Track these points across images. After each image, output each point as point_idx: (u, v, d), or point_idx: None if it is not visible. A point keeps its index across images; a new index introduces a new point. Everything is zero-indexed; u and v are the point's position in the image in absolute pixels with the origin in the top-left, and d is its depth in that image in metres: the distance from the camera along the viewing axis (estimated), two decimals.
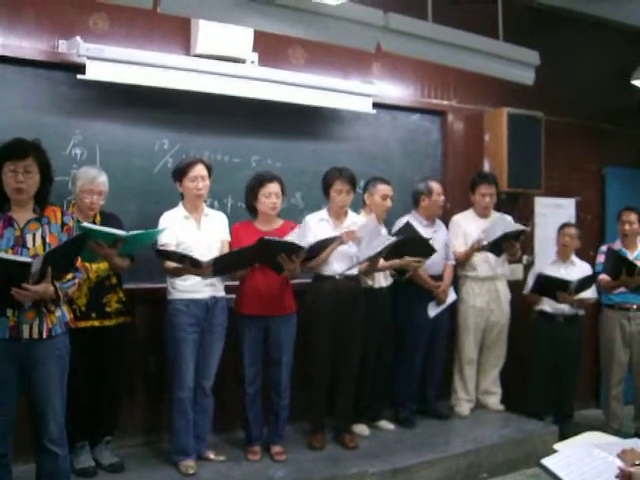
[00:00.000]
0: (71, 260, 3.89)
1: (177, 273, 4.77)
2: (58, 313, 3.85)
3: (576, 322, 6.41)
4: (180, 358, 4.81)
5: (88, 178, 4.61)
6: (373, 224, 5.50)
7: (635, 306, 6.36)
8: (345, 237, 5.20)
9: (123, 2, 4.23)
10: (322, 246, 5.07)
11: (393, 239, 5.35)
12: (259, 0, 4.21)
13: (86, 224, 4.30)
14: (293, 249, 4.79)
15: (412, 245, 5.58)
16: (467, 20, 5.58)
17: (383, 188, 5.76)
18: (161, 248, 4.62)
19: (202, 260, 4.59)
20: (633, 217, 6.41)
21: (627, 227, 6.41)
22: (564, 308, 6.28)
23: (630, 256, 6.29)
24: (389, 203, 5.78)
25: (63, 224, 3.91)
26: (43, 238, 3.78)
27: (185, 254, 4.59)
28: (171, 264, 4.73)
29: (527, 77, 5.67)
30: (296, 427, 5.71)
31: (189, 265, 4.60)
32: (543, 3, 7.07)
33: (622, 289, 6.28)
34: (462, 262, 6.32)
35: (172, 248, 4.72)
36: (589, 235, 7.30)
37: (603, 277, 6.34)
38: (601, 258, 6.46)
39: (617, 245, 6.54)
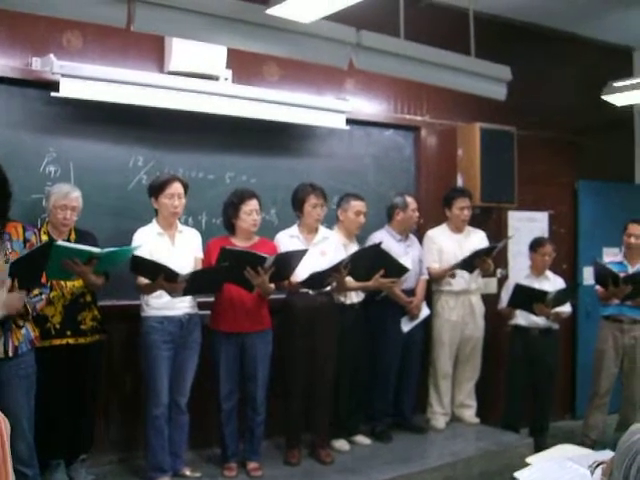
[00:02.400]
0: (37, 272, 3.87)
1: (149, 290, 4.76)
2: (24, 331, 3.84)
3: (551, 335, 6.44)
4: (155, 375, 4.80)
5: (61, 193, 4.60)
6: (337, 240, 5.57)
7: (628, 318, 6.38)
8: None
9: (96, 20, 4.23)
10: (291, 259, 5.07)
11: (346, 257, 5.37)
12: (232, 18, 4.24)
13: (60, 242, 4.30)
14: (257, 260, 4.80)
15: (383, 265, 5.60)
16: (439, 37, 5.63)
17: (357, 204, 5.78)
18: (137, 254, 4.59)
19: (179, 273, 4.60)
20: (639, 230, 6.42)
21: (632, 240, 6.32)
22: (538, 321, 6.32)
23: (631, 269, 6.28)
24: (362, 219, 5.80)
25: (25, 240, 3.89)
26: (5, 255, 3.76)
27: (161, 264, 4.57)
28: (143, 280, 4.73)
29: (499, 92, 5.72)
30: (272, 443, 5.71)
31: (162, 279, 4.59)
32: (514, 19, 7.18)
33: (616, 300, 6.31)
34: (436, 279, 6.35)
35: (148, 256, 4.70)
36: (562, 248, 7.35)
37: (598, 288, 6.38)
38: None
39: (619, 257, 6.56)
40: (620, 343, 6.40)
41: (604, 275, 6.22)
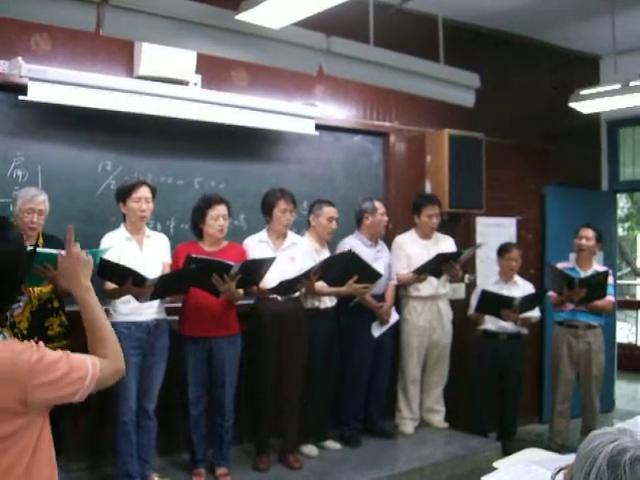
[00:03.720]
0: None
1: (116, 294, 4.74)
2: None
3: (519, 340, 6.49)
4: (122, 381, 4.73)
5: (27, 197, 4.57)
6: (308, 246, 5.58)
7: (583, 324, 6.44)
8: None
9: (65, 24, 4.21)
10: (259, 266, 5.07)
11: (317, 264, 5.39)
12: (202, 23, 4.23)
13: (30, 247, 4.27)
14: (223, 268, 4.80)
15: (356, 271, 5.62)
16: (408, 43, 5.65)
17: (329, 210, 5.81)
18: (106, 258, 4.56)
19: (147, 277, 4.58)
20: (590, 233, 6.42)
21: (584, 242, 6.40)
22: (507, 326, 6.36)
23: (583, 274, 6.34)
24: (334, 225, 5.83)
25: None
26: None
27: (129, 268, 4.56)
28: (110, 285, 4.71)
29: (468, 99, 5.74)
30: (241, 448, 5.71)
31: (130, 284, 4.57)
32: (483, 26, 7.23)
33: (571, 306, 6.37)
34: (405, 284, 6.38)
35: (116, 261, 4.66)
36: (530, 254, 7.41)
37: (551, 294, 6.44)
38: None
39: (570, 263, 6.63)
40: (575, 349, 6.45)
41: (558, 279, 6.27)
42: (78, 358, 2.18)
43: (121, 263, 4.64)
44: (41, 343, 2.14)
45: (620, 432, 1.62)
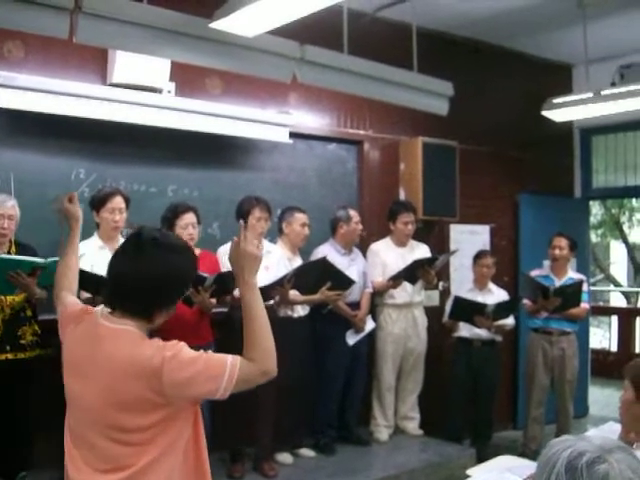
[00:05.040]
0: None
1: (91, 303, 4.68)
2: None
3: (493, 347, 6.52)
4: None
5: None
6: (281, 254, 5.58)
7: (557, 330, 6.48)
8: None
9: (38, 31, 4.18)
10: (232, 277, 5.04)
11: (290, 271, 5.39)
12: (176, 31, 4.23)
13: (2, 255, 4.24)
14: (197, 280, 4.78)
15: (329, 278, 5.62)
16: (382, 52, 5.67)
17: (301, 217, 5.81)
18: (82, 268, 4.52)
19: None
20: (564, 243, 6.49)
21: (557, 252, 6.48)
22: (481, 333, 6.39)
23: (557, 282, 6.40)
24: (307, 231, 5.83)
25: None
26: None
27: (103, 277, 4.51)
28: (85, 294, 4.68)
29: (441, 107, 5.77)
30: (215, 456, 5.65)
31: (104, 293, 4.53)
32: (457, 34, 7.27)
33: (546, 314, 6.40)
34: (381, 292, 6.38)
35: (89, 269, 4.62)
36: (503, 261, 7.44)
37: (526, 302, 6.48)
38: None
39: (545, 271, 6.67)
40: (549, 355, 6.52)
41: (533, 289, 6.32)
42: (217, 357, 2.31)
43: (96, 272, 4.61)
44: (182, 342, 2.33)
45: (578, 439, 1.65)
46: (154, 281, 2.31)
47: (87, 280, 4.52)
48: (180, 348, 2.28)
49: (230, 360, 2.29)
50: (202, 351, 2.31)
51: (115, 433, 2.25)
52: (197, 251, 5.21)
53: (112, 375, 2.24)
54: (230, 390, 2.27)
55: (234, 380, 2.26)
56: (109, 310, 2.39)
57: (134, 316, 2.35)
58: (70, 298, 2.73)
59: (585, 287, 6.47)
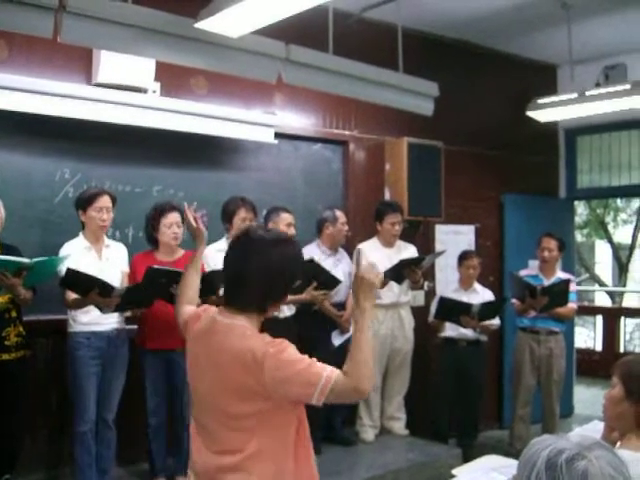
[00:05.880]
0: None
1: (79, 305, 4.69)
2: None
3: (479, 347, 6.53)
4: (82, 391, 4.73)
5: None
6: None
7: (544, 330, 6.51)
8: None
9: (22, 30, 4.16)
10: (219, 276, 5.03)
11: None
12: (161, 31, 4.22)
13: None
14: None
15: (316, 278, 5.62)
16: (368, 52, 5.68)
17: (286, 216, 5.79)
18: (72, 268, 4.51)
19: (115, 286, 4.55)
20: (553, 244, 6.50)
21: (546, 254, 6.49)
22: (467, 333, 6.40)
23: (546, 282, 6.41)
24: (293, 231, 5.81)
25: None
26: None
27: (97, 278, 4.52)
28: (72, 295, 4.66)
29: (426, 108, 5.78)
30: None
31: (95, 294, 4.53)
32: (442, 35, 7.29)
33: (534, 313, 6.42)
34: None
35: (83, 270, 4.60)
36: (488, 261, 7.45)
37: (515, 302, 6.51)
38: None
39: (534, 271, 6.70)
40: (536, 354, 6.54)
41: (520, 288, 6.35)
42: (317, 366, 2.41)
43: (87, 272, 4.60)
44: (288, 343, 2.46)
45: (557, 437, 1.69)
46: (268, 275, 2.48)
47: (77, 281, 4.53)
48: (284, 348, 2.41)
49: (328, 371, 2.39)
50: (307, 356, 2.43)
51: (224, 418, 2.46)
52: (181, 251, 5.21)
53: (222, 364, 2.44)
54: (323, 399, 2.37)
55: (327, 390, 2.36)
56: (223, 306, 2.57)
57: (248, 311, 2.52)
58: (187, 307, 2.89)
59: (573, 287, 6.49)
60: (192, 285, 3.08)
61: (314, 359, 2.44)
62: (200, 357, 2.58)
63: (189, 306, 2.91)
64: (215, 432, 2.51)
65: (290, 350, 2.41)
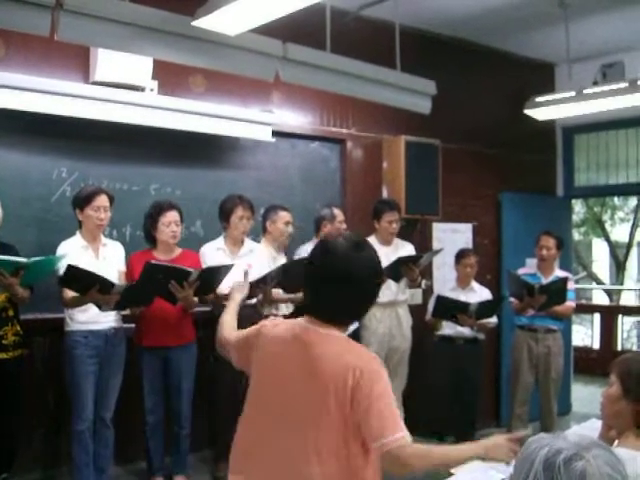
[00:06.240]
0: None
1: (78, 303, 4.69)
2: None
3: (476, 345, 6.53)
4: (80, 390, 4.73)
5: None
6: (264, 253, 5.57)
7: (542, 328, 6.51)
8: None
9: (19, 28, 4.15)
10: (216, 273, 5.05)
11: (275, 268, 5.38)
12: (158, 29, 4.21)
13: None
14: (181, 274, 4.77)
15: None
16: (365, 50, 5.67)
17: (284, 215, 5.80)
18: (72, 264, 4.49)
19: (115, 283, 4.55)
20: (551, 242, 6.50)
21: (545, 252, 6.49)
22: (464, 331, 6.40)
23: (544, 280, 6.41)
24: (291, 229, 5.83)
25: None
26: None
27: (97, 275, 4.51)
28: (70, 293, 4.66)
29: (424, 106, 5.77)
30: (200, 456, 5.68)
31: (95, 291, 4.52)
32: (440, 33, 7.28)
33: (532, 311, 6.42)
34: None
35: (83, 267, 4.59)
36: (486, 259, 7.45)
37: (513, 300, 6.51)
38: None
39: (532, 269, 6.70)
40: (534, 352, 6.55)
41: (518, 287, 6.35)
42: (398, 418, 2.36)
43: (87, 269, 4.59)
44: (384, 373, 2.41)
45: (554, 437, 1.67)
46: (360, 282, 2.44)
47: (77, 278, 4.52)
48: (379, 377, 2.37)
49: (403, 433, 2.33)
50: (394, 400, 2.38)
51: (299, 425, 2.40)
52: (179, 250, 5.22)
53: (318, 374, 2.37)
54: (380, 453, 2.31)
55: (388, 448, 2.28)
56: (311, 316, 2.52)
57: (342, 321, 2.53)
58: (233, 337, 2.85)
59: (571, 285, 6.50)
60: (227, 325, 3.03)
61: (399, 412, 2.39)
62: (284, 362, 2.50)
63: (234, 334, 2.87)
64: (280, 439, 2.45)
65: (388, 384, 2.39)
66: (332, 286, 2.44)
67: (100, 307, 4.66)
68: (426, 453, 2.36)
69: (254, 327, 2.68)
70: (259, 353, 2.59)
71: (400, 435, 2.31)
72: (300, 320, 2.55)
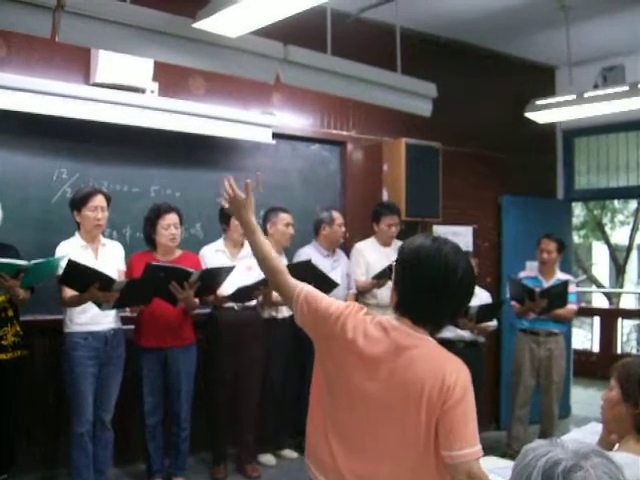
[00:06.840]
0: None
1: (78, 301, 4.67)
2: None
3: (476, 348, 6.51)
4: (79, 392, 4.72)
5: None
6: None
7: (544, 331, 6.50)
8: None
9: (20, 29, 4.16)
10: (217, 274, 5.05)
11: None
12: (159, 31, 4.22)
13: None
14: (182, 275, 4.77)
15: (313, 280, 5.61)
16: (366, 53, 5.68)
17: (285, 216, 5.80)
18: (72, 259, 4.48)
19: (115, 279, 4.55)
20: (552, 246, 6.48)
21: (545, 255, 6.47)
22: (464, 334, 6.38)
23: (546, 283, 6.41)
24: (292, 231, 5.83)
25: None
26: None
27: (97, 270, 4.50)
28: (70, 292, 4.65)
29: (425, 109, 5.78)
30: (198, 458, 5.68)
31: (95, 288, 4.51)
32: (441, 36, 7.28)
33: (534, 315, 6.42)
34: (364, 292, 6.36)
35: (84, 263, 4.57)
36: (486, 262, 7.46)
37: (514, 304, 6.50)
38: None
39: (533, 272, 6.69)
40: (536, 355, 6.53)
41: (519, 291, 6.34)
42: (476, 439, 2.34)
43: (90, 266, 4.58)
44: (471, 392, 2.40)
45: (552, 445, 1.66)
46: (462, 287, 2.47)
47: (77, 275, 4.50)
48: (470, 387, 2.41)
49: (479, 447, 2.33)
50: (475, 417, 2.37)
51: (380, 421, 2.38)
52: (179, 252, 5.22)
53: (409, 383, 2.35)
54: (451, 462, 2.29)
55: (464, 460, 2.29)
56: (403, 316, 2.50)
57: (435, 325, 2.58)
58: (293, 282, 2.78)
59: (573, 288, 6.49)
60: (266, 243, 2.85)
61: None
62: (375, 359, 2.42)
63: (311, 293, 2.72)
64: (364, 440, 2.41)
65: (471, 402, 2.39)
66: (442, 290, 2.42)
67: (100, 305, 4.65)
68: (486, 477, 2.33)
69: (336, 302, 2.60)
70: (344, 341, 2.48)
71: (478, 449, 2.32)
72: (389, 318, 2.52)
